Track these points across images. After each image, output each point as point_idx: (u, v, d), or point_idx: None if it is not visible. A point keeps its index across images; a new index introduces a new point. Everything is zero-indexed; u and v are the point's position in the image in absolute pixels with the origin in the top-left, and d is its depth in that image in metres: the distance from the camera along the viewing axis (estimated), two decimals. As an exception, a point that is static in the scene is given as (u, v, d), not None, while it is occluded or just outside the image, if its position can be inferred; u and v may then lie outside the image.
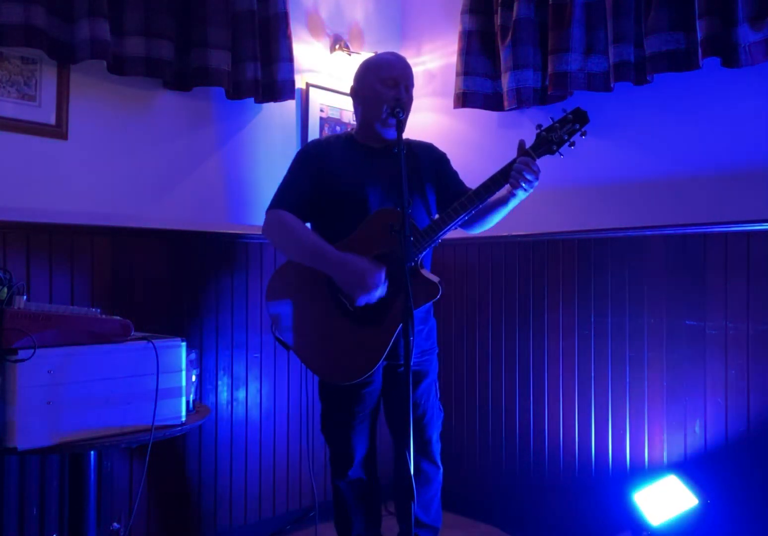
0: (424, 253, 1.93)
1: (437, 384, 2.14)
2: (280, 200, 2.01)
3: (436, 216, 2.01)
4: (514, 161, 1.85)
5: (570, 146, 1.84)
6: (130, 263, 2.30)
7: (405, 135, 2.16)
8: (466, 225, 2.08)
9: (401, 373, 2.02)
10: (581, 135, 1.84)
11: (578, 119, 1.83)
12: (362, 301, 1.85)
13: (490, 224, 2.09)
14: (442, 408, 2.17)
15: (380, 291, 1.84)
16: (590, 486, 2.51)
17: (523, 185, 1.82)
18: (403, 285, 1.50)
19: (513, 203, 1.95)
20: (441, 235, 1.89)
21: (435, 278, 1.91)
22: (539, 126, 1.85)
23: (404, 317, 1.48)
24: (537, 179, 1.83)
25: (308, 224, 2.07)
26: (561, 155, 1.85)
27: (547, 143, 1.83)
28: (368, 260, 1.85)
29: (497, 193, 1.89)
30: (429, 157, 2.13)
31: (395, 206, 1.86)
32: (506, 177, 1.85)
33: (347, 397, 2.04)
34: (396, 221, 1.61)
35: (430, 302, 2.06)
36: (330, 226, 2.01)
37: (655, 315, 2.35)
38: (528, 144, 1.87)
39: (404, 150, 1.74)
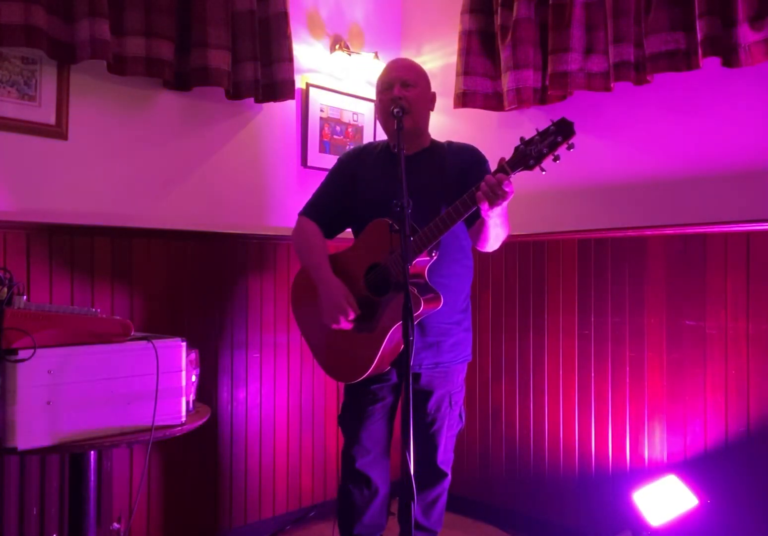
0: (415, 264, 1.86)
1: (455, 396, 2.10)
2: (308, 207, 2.16)
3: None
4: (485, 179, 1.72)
5: (554, 160, 1.64)
6: (131, 263, 2.30)
7: (432, 136, 2.15)
8: (474, 243, 2.03)
9: (416, 382, 2.05)
10: (567, 148, 1.62)
11: (562, 131, 1.61)
12: (329, 325, 1.98)
13: (489, 242, 1.95)
14: (463, 417, 2.15)
15: (342, 325, 1.95)
16: (590, 486, 2.50)
17: (490, 200, 1.68)
18: (403, 287, 1.50)
19: (489, 220, 1.81)
20: (424, 249, 1.82)
21: (423, 294, 1.85)
22: (522, 139, 1.68)
23: (404, 318, 1.48)
24: (506, 194, 1.68)
25: (349, 229, 2.17)
26: (543, 170, 1.65)
27: (524, 157, 1.65)
28: (348, 296, 1.94)
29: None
30: (458, 161, 2.05)
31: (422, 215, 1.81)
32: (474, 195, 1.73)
33: (360, 392, 2.09)
34: (395, 224, 1.61)
35: (462, 315, 2.10)
36: (356, 233, 2.10)
37: (655, 315, 2.35)
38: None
39: (403, 149, 1.73)
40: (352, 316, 1.93)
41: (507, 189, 1.67)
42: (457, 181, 2.01)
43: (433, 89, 2.13)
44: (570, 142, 1.62)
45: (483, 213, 1.75)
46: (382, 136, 2.50)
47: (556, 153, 1.63)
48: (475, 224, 1.93)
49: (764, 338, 2.11)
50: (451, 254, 2.02)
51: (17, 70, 2.08)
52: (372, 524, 2.16)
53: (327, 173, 2.21)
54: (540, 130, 1.66)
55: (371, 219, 1.99)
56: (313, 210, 2.14)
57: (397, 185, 1.78)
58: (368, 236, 1.99)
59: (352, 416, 2.12)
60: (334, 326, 1.96)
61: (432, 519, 2.15)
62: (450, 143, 2.14)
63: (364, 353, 1.94)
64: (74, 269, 2.17)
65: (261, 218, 2.69)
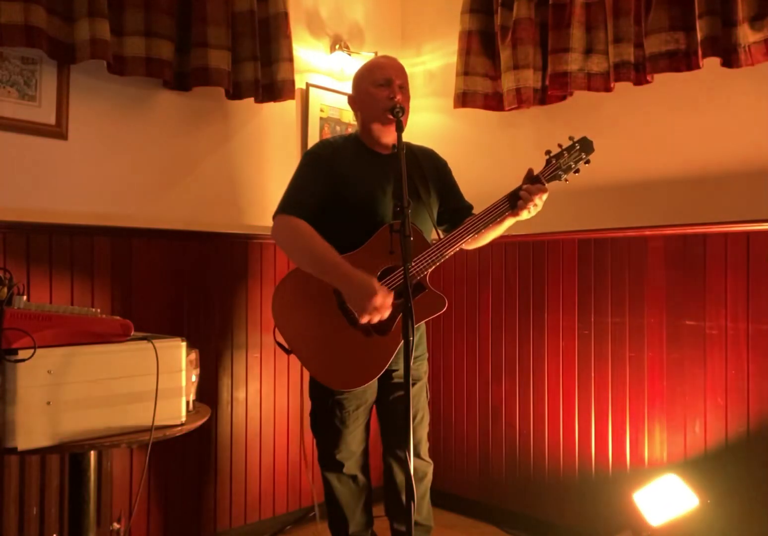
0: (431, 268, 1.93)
1: (427, 387, 2.19)
2: (291, 205, 1.97)
3: (440, 232, 2.06)
4: (521, 187, 1.93)
5: (575, 173, 1.94)
6: (130, 263, 2.30)
7: (406, 137, 2.17)
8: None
9: (396, 377, 2.06)
10: (585, 163, 1.94)
11: (585, 148, 1.93)
12: (365, 320, 1.86)
13: (483, 242, 2.14)
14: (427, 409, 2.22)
15: (385, 316, 1.85)
16: (590, 485, 2.50)
17: (531, 209, 1.90)
18: (404, 288, 1.50)
19: (508, 224, 2.03)
20: (451, 252, 1.93)
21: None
22: (548, 152, 1.93)
23: (404, 318, 1.49)
24: (541, 204, 1.92)
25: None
26: (566, 180, 1.94)
27: (556, 170, 1.93)
28: (381, 285, 1.85)
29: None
30: (432, 164, 2.15)
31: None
32: (515, 200, 1.91)
33: (343, 398, 2.04)
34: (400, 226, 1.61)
35: None
36: (338, 233, 1.98)
37: (655, 315, 2.35)
38: (533, 157, 1.94)
39: (404, 151, 1.74)
40: (391, 306, 1.85)
41: (544, 199, 1.91)
42: (435, 183, 2.12)
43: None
44: (588, 158, 1.94)
45: (510, 220, 1.97)
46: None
47: (577, 166, 1.94)
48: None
49: (764, 338, 2.11)
50: None
51: (17, 70, 2.09)
52: (363, 521, 2.17)
53: (299, 168, 2.05)
54: (563, 146, 1.93)
55: (355, 219, 1.98)
56: (299, 208, 1.96)
57: (386, 185, 1.78)
58: (379, 240, 1.94)
59: (334, 421, 2.06)
60: (375, 317, 1.84)
61: (423, 514, 2.17)
62: (410, 145, 2.13)
63: (376, 356, 1.93)
64: (74, 269, 2.17)
65: (261, 218, 2.69)
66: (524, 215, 1.93)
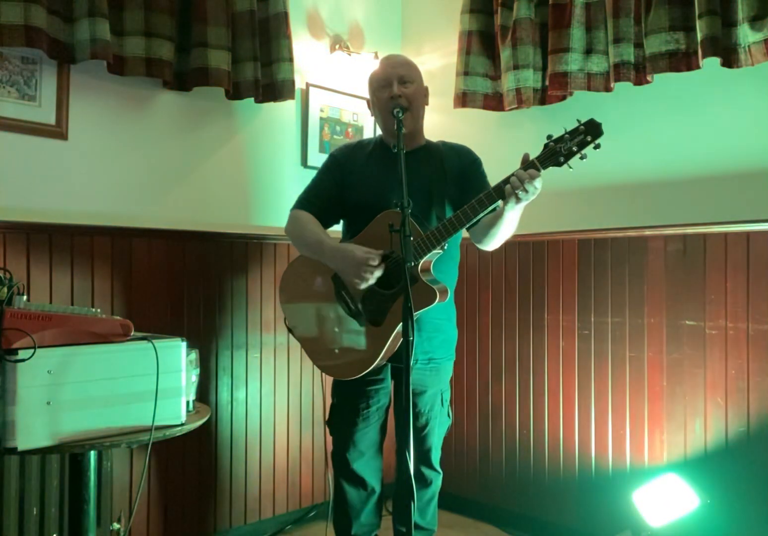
0: (427, 258, 1.88)
1: (446, 394, 2.12)
2: (301, 201, 2.12)
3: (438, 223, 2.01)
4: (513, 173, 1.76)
5: (581, 159, 1.73)
6: (130, 263, 2.30)
7: (432, 136, 2.17)
8: (477, 240, 2.03)
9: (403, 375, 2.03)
10: (594, 148, 1.72)
11: (591, 131, 1.71)
12: (361, 285, 1.87)
13: (496, 238, 1.97)
14: (451, 415, 2.16)
15: (378, 273, 1.86)
16: (590, 485, 2.50)
17: (520, 194, 1.72)
18: (404, 288, 1.49)
19: (509, 215, 1.83)
20: (442, 242, 1.84)
21: (435, 285, 1.87)
22: (549, 136, 1.74)
23: (404, 317, 1.48)
24: (536, 191, 1.73)
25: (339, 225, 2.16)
26: (570, 167, 1.74)
27: (554, 154, 1.73)
28: (363, 248, 1.88)
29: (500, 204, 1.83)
30: (457, 163, 2.09)
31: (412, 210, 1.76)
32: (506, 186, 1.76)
33: (353, 394, 2.07)
34: (397, 220, 1.61)
35: (451, 311, 2.09)
36: (356, 228, 2.04)
37: (655, 315, 2.35)
38: (534, 154, 1.79)
39: (404, 151, 1.75)
40: (377, 261, 1.83)
41: (538, 185, 1.73)
42: (457, 181, 2.07)
43: (431, 88, 2.14)
44: (597, 142, 1.70)
45: (507, 209, 1.80)
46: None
47: (583, 152, 1.72)
48: (483, 222, 1.93)
49: (764, 338, 2.11)
50: (449, 251, 2.00)
51: (17, 70, 2.09)
52: (368, 523, 2.17)
53: (319, 168, 2.18)
54: (568, 128, 1.73)
55: (365, 215, 1.98)
56: (306, 204, 2.09)
57: (396, 183, 1.77)
58: (377, 227, 1.93)
59: (346, 419, 2.09)
60: (368, 278, 1.84)
61: (428, 518, 2.16)
62: (444, 143, 2.16)
63: (369, 347, 1.92)
64: (74, 269, 2.17)
65: (261, 218, 2.69)
66: (512, 201, 1.74)
